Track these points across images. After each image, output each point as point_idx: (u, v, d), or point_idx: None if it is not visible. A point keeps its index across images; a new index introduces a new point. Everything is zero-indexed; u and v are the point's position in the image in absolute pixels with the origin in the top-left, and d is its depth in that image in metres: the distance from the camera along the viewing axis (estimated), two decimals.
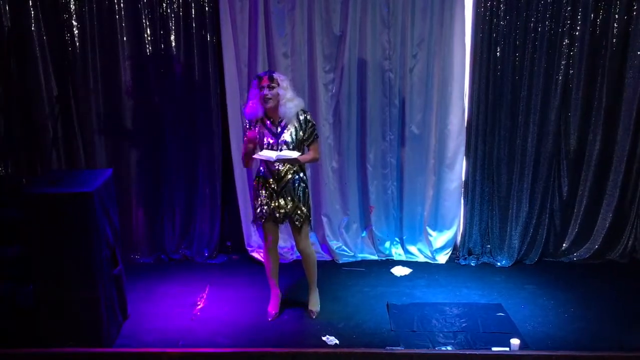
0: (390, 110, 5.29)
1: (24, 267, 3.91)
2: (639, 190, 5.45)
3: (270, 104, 4.13)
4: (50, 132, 5.13)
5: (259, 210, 4.32)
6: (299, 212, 4.29)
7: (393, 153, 5.40)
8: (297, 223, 4.31)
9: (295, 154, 4.13)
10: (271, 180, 4.26)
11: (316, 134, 4.30)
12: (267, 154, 4.09)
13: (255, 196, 4.39)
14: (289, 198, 4.27)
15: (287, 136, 4.19)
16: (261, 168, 4.33)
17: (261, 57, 5.16)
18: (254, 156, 4.16)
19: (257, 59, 5.15)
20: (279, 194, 4.26)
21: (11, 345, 3.79)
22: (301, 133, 4.20)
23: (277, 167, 4.23)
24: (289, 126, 4.19)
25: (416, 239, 5.58)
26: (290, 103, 4.14)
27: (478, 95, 5.18)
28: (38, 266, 3.86)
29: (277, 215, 4.29)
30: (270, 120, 4.22)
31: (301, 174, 4.31)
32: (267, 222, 4.34)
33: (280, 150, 4.16)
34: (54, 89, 5.12)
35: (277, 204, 4.26)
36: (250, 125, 4.26)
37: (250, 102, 4.20)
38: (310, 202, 4.43)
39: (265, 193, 4.28)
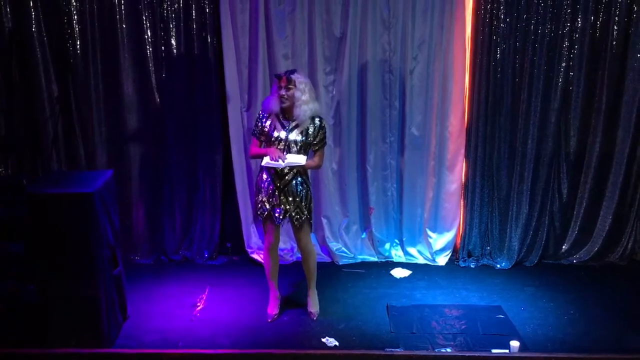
0: (391, 112, 5.30)
1: (26, 267, 3.91)
2: (638, 192, 5.45)
3: (287, 104, 4.16)
4: (51, 133, 5.14)
5: (259, 206, 4.33)
6: (299, 212, 4.29)
7: (393, 155, 5.40)
8: (296, 223, 4.32)
9: (302, 159, 4.16)
10: (273, 177, 4.27)
11: (325, 141, 4.32)
12: (273, 162, 4.10)
13: (256, 192, 4.39)
14: (290, 198, 4.27)
15: (296, 135, 4.20)
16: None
17: (262, 59, 5.15)
18: (262, 164, 4.18)
19: (257, 60, 5.15)
20: (281, 191, 4.27)
21: (14, 343, 3.80)
22: (311, 137, 4.22)
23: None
24: (301, 127, 4.21)
25: (416, 240, 5.58)
26: (306, 106, 4.14)
27: (478, 97, 5.18)
28: (39, 266, 3.85)
29: (277, 215, 4.30)
30: (284, 116, 4.24)
31: (304, 176, 4.31)
32: (267, 222, 4.34)
33: (287, 147, 4.18)
34: (55, 90, 5.13)
35: (277, 202, 4.27)
36: (263, 116, 4.27)
37: (270, 96, 4.24)
38: (313, 204, 4.43)
39: (266, 191, 4.28)
